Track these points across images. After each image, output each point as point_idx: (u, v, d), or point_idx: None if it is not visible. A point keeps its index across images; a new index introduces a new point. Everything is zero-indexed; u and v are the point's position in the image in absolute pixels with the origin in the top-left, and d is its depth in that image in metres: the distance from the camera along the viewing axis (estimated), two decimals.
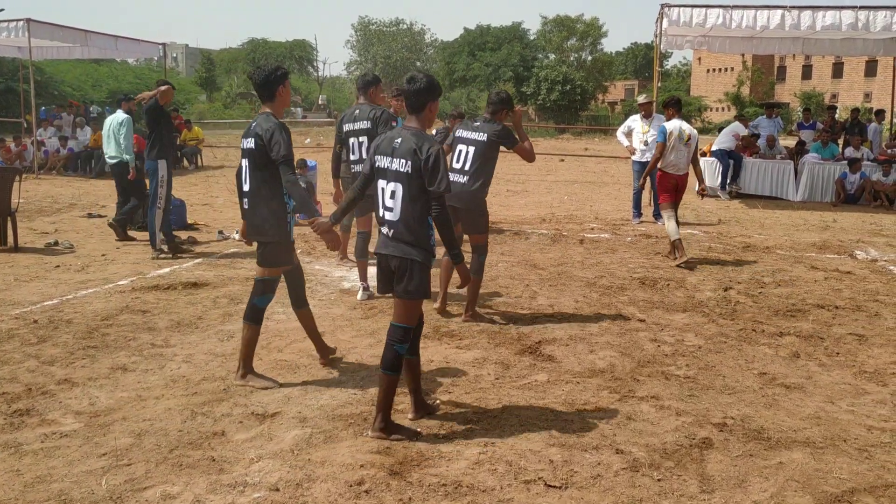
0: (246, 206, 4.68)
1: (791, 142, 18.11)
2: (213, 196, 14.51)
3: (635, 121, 12.01)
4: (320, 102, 70.65)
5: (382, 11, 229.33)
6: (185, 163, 20.30)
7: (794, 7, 13.32)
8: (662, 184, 8.83)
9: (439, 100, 4.08)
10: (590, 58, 68.67)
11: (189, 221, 10.75)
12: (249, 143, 4.57)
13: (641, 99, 12.19)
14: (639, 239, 10.27)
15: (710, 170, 15.87)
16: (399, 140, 3.97)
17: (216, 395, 4.52)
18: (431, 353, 5.37)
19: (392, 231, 3.98)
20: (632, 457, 3.79)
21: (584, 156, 28.03)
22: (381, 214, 4.04)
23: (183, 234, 9.74)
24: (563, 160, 25.11)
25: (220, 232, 9.92)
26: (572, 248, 9.51)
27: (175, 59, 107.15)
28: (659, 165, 8.74)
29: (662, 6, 13.61)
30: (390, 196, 3.96)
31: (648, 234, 10.62)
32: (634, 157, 11.93)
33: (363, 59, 66.19)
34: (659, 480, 3.57)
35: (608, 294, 7.17)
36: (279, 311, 6.41)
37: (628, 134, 12.09)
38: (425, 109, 4.02)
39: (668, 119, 8.88)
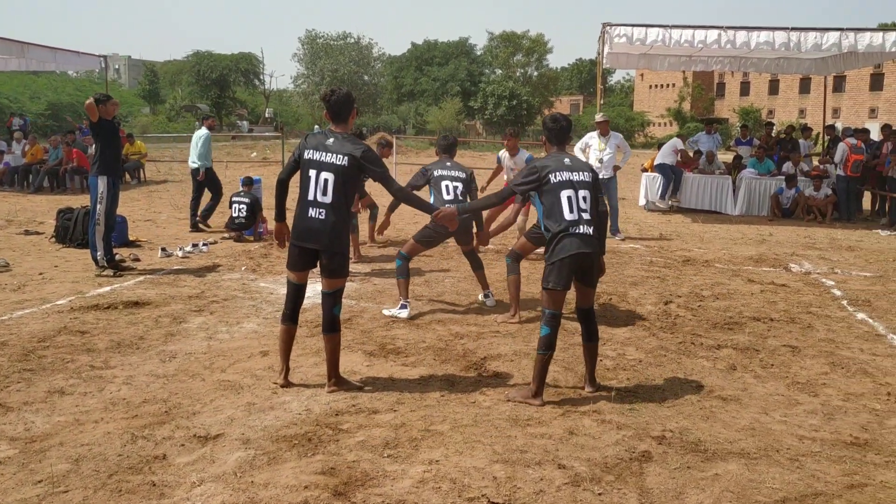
0: (322, 217, 4.80)
1: (730, 157, 18.64)
2: (155, 212, 14.28)
3: (592, 138, 12.16)
4: (267, 116, 70.01)
5: (329, 25, 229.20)
6: (127, 177, 19.91)
7: (730, 27, 13.77)
8: None
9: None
10: (535, 73, 69.71)
11: (131, 238, 10.56)
12: (341, 161, 4.81)
13: (599, 118, 12.45)
14: None
15: (652, 184, 16.24)
16: (569, 160, 5.01)
17: (157, 418, 4.45)
18: (377, 371, 5.39)
19: (592, 229, 4.81)
20: (574, 471, 3.86)
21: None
22: (575, 218, 4.78)
23: (125, 252, 9.56)
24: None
25: (164, 249, 9.76)
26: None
27: (117, 70, 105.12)
28: None
29: (604, 25, 13.93)
30: (583, 200, 4.84)
31: None
32: None
33: (310, 72, 65.79)
34: (600, 494, 3.65)
35: None
36: (222, 329, 6.35)
37: (584, 150, 12.25)
38: (566, 140, 5.20)
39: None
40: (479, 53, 75.48)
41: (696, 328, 6.77)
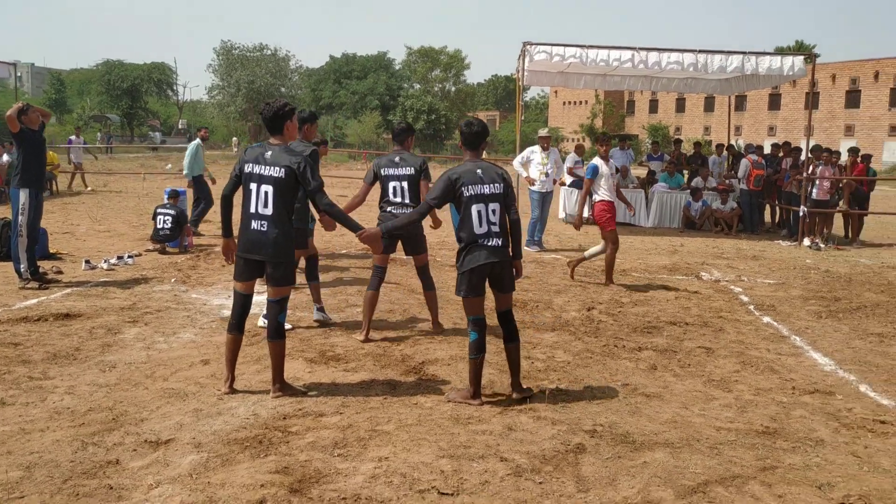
0: (263, 228, 4.93)
1: (642, 172, 19.47)
2: (73, 224, 13.93)
3: (534, 153, 12.62)
4: (180, 127, 68.47)
5: (246, 36, 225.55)
6: None
7: (642, 48, 14.48)
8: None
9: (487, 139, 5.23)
10: (453, 88, 70.52)
11: (51, 251, 10.32)
12: (278, 172, 4.90)
13: (543, 132, 13.13)
14: None
15: (570, 197, 16.84)
16: (480, 170, 5.04)
17: (105, 425, 4.49)
18: (319, 377, 5.54)
19: (501, 241, 5.00)
20: (515, 463, 4.13)
21: None
22: (485, 231, 4.94)
23: (47, 264, 9.35)
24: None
25: (87, 261, 9.59)
26: (448, 273, 9.88)
27: (20, 78, 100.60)
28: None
29: (525, 44, 14.42)
30: (493, 213, 4.95)
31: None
32: (534, 188, 12.50)
33: (225, 83, 64.67)
34: (540, 483, 3.92)
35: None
36: (160, 339, 6.37)
37: (524, 164, 12.66)
38: (479, 147, 5.17)
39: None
40: (397, 68, 75.93)
41: (618, 332, 7.17)
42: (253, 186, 4.93)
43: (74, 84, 76.76)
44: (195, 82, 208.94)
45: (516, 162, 12.93)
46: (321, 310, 7.14)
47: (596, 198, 9.37)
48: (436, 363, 5.95)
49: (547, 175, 12.38)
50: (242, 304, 5.14)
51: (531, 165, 12.55)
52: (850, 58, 63.29)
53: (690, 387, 5.66)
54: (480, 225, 4.93)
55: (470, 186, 4.95)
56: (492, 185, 4.98)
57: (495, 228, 4.96)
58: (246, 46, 65.93)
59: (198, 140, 13.25)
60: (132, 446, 4.21)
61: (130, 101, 69.12)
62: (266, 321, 6.78)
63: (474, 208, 4.93)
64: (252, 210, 4.95)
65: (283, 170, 4.90)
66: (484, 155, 5.43)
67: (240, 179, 5.05)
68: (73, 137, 22.64)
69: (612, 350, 6.56)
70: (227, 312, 7.37)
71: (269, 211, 4.92)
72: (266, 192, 4.91)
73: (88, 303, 7.60)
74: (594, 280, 9.79)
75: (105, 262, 9.73)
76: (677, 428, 4.78)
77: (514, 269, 5.19)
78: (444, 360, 6.05)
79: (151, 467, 3.96)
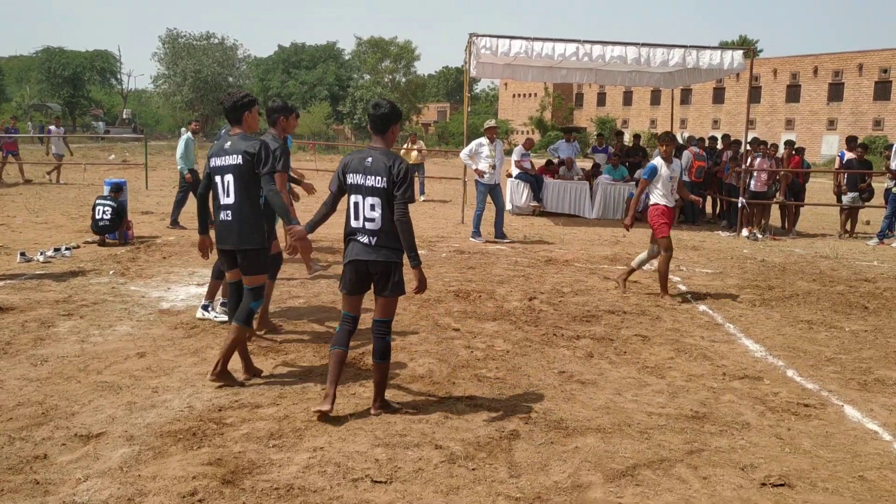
0: (228, 218, 5.02)
1: (589, 164, 19.71)
2: (9, 216, 13.54)
3: (482, 145, 12.59)
4: (125, 116, 66.95)
5: (192, 24, 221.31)
6: None
7: (587, 41, 14.65)
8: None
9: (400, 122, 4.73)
10: (404, 79, 70.28)
11: None
12: (235, 160, 4.97)
13: (491, 123, 13.04)
14: (452, 255, 10.86)
15: (517, 189, 16.99)
16: (371, 159, 4.53)
17: (34, 420, 4.41)
18: (258, 367, 5.51)
19: (375, 239, 4.51)
20: (449, 451, 4.18)
21: None
22: (359, 226, 4.54)
23: None
24: None
25: (23, 253, 9.35)
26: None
27: None
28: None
29: (471, 36, 14.46)
30: (371, 209, 4.48)
31: (462, 251, 11.25)
32: (483, 180, 12.48)
33: (171, 72, 63.44)
34: (473, 470, 3.98)
35: (426, 306, 7.60)
36: (94, 333, 6.26)
37: (471, 156, 12.62)
38: (388, 132, 4.63)
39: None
40: (347, 58, 75.40)
41: (558, 321, 7.29)
42: (217, 178, 5.08)
43: (13, 72, 74.42)
44: (140, 71, 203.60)
45: (463, 154, 12.91)
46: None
47: (651, 200, 8.66)
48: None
49: (494, 168, 12.43)
50: (236, 292, 5.28)
51: (480, 158, 12.56)
52: (790, 53, 64.89)
53: (625, 374, 5.79)
54: (356, 218, 4.56)
55: (352, 175, 4.57)
56: (374, 178, 4.48)
57: (370, 225, 4.51)
58: (192, 35, 64.88)
59: (188, 133, 12.81)
60: (61, 440, 4.15)
61: (72, 89, 67.38)
62: (203, 313, 6.77)
63: (352, 199, 4.57)
64: (219, 201, 5.09)
65: (239, 156, 4.99)
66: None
67: (210, 176, 5.12)
68: (52, 128, 21.83)
69: (551, 339, 6.67)
70: (167, 305, 7.31)
71: (230, 199, 5.04)
72: (227, 182, 5.04)
73: (22, 296, 7.42)
74: (536, 269, 9.90)
75: (41, 254, 9.49)
76: (610, 414, 4.89)
77: (398, 274, 4.62)
78: None
79: (81, 461, 3.91)
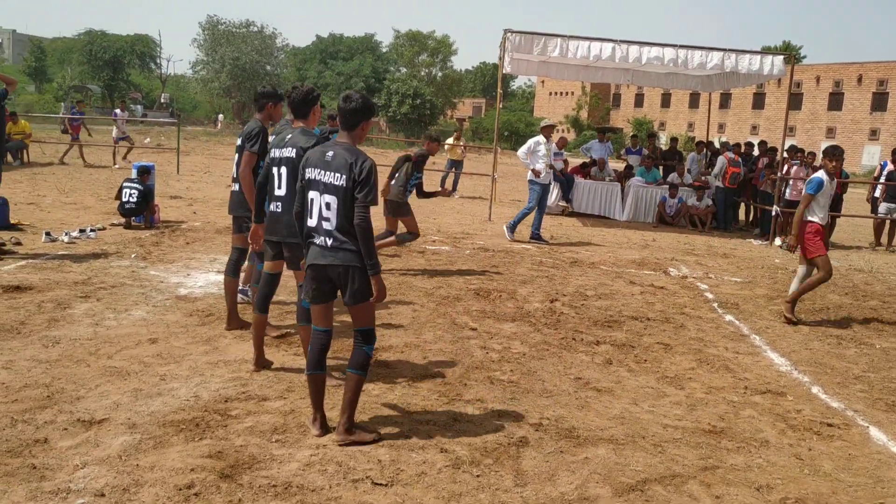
0: (279, 210, 5.01)
1: (621, 165, 19.45)
2: (39, 195, 13.68)
3: (539, 143, 12.26)
4: (162, 101, 67.68)
5: (232, 12, 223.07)
6: (10, 158, 18.90)
7: (623, 41, 14.41)
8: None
9: (371, 119, 4.35)
10: (440, 74, 70.20)
11: (12, 221, 10.12)
12: (290, 153, 4.93)
13: (547, 122, 12.81)
14: (476, 252, 10.74)
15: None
16: (332, 154, 4.15)
17: (39, 403, 4.38)
18: (269, 359, 5.44)
19: (332, 240, 4.11)
20: (455, 455, 4.07)
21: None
22: (314, 225, 4.17)
23: (6, 235, 9.17)
24: None
25: (48, 233, 9.41)
26: (413, 259, 9.82)
27: (0, 45, 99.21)
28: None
29: (506, 32, 14.30)
30: (326, 207, 4.12)
31: (486, 248, 11.12)
32: (539, 179, 12.13)
33: (210, 59, 63.94)
34: (478, 476, 3.86)
35: (444, 304, 7.49)
36: (109, 316, 6.25)
37: (530, 155, 12.28)
38: (357, 128, 4.25)
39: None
40: (384, 50, 75.43)
41: (578, 325, 7.13)
42: (274, 170, 5.05)
43: (56, 53, 75.52)
44: (179, 56, 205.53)
45: (521, 152, 12.50)
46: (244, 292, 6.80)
47: (808, 216, 8.10)
48: (389, 350, 5.87)
49: (551, 167, 12.26)
50: (269, 283, 5.25)
51: (538, 157, 12.21)
52: (834, 60, 63.59)
53: (643, 383, 5.63)
54: (311, 216, 4.17)
55: (311, 169, 4.18)
56: (333, 175, 4.07)
57: (327, 225, 4.09)
58: (232, 22, 65.28)
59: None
60: (63, 425, 4.11)
61: (112, 72, 68.20)
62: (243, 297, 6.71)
63: (310, 195, 4.17)
64: (273, 192, 5.08)
65: (294, 150, 4.95)
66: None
67: (269, 166, 5.10)
68: (117, 111, 22.10)
69: (570, 343, 6.52)
70: (185, 291, 7.28)
71: (282, 192, 5.02)
72: (281, 174, 5.01)
73: (42, 276, 7.44)
74: (561, 270, 9.73)
75: (66, 234, 9.55)
76: (624, 424, 4.74)
77: (359, 280, 4.09)
78: (398, 347, 5.98)
79: (80, 447, 3.86)
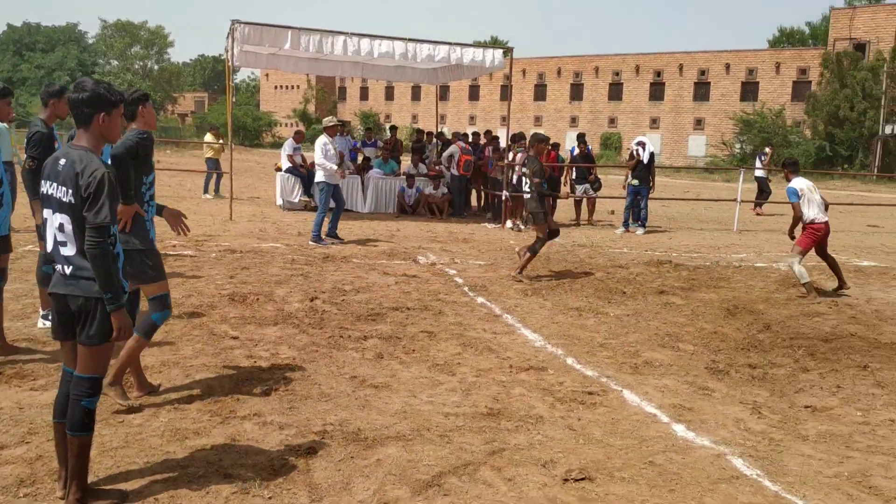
0: None
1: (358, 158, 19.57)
2: None
3: (327, 144, 11.98)
4: None
5: None
6: None
7: (354, 34, 14.46)
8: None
9: (117, 111, 3.49)
10: (156, 67, 65.96)
11: None
12: None
13: (331, 121, 12.61)
14: (223, 255, 10.18)
15: (287, 183, 16.45)
16: (63, 162, 3.37)
17: None
18: (0, 399, 4.68)
19: (71, 268, 3.40)
20: (241, 479, 3.77)
21: (158, 169, 26.76)
22: (51, 249, 3.46)
23: None
24: None
25: None
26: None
27: None
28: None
29: (234, 22, 13.68)
30: (59, 229, 3.40)
31: (233, 249, 10.58)
32: (330, 180, 11.88)
33: None
34: (270, 499, 3.61)
35: (198, 314, 6.99)
36: None
37: (326, 157, 11.90)
38: (93, 123, 3.43)
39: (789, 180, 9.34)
40: (91, 41, 69.24)
41: (343, 321, 7.02)
42: None
43: None
44: None
45: (320, 159, 11.92)
46: None
47: (809, 218, 9.14)
48: (146, 371, 5.31)
49: (340, 164, 12.11)
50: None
51: (330, 157, 11.91)
52: (537, 54, 69.56)
53: (417, 373, 5.67)
54: (48, 239, 3.47)
55: (45, 181, 3.44)
56: (62, 189, 3.36)
57: (64, 250, 3.41)
58: None
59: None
60: None
61: None
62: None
63: (45, 213, 3.46)
64: None
65: None
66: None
67: None
68: None
69: (338, 341, 6.39)
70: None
71: None
72: None
73: None
74: (315, 267, 9.54)
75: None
76: (407, 418, 4.72)
77: (100, 316, 3.40)
78: (155, 366, 5.45)
79: None
